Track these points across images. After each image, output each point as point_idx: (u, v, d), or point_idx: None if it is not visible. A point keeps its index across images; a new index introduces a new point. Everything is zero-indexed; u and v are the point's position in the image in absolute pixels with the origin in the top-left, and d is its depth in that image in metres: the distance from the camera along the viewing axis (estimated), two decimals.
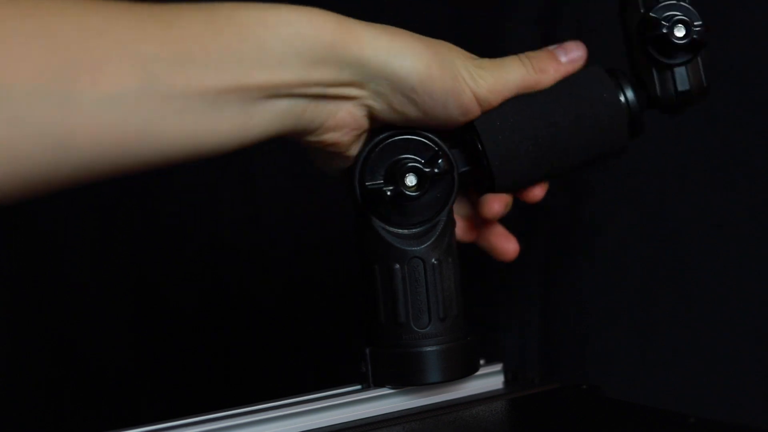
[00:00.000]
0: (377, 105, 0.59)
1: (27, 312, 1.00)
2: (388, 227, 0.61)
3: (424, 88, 0.58)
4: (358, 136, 0.61)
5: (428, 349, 0.61)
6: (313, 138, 0.59)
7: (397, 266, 0.61)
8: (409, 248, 0.62)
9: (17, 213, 1.03)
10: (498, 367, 0.66)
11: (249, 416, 0.59)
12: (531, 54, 0.65)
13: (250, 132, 0.55)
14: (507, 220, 1.03)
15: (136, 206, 1.06)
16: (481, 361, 0.66)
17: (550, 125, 0.63)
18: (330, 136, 0.59)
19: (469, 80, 0.61)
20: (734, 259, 0.94)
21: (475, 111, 0.62)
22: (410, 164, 0.60)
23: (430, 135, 0.62)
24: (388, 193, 0.60)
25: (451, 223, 0.64)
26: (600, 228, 0.98)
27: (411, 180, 0.60)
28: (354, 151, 0.62)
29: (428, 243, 0.62)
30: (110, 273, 1.04)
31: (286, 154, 1.04)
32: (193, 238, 1.06)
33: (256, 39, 0.53)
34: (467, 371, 0.63)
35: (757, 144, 0.94)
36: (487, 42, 1.03)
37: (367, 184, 0.61)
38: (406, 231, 0.62)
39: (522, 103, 0.63)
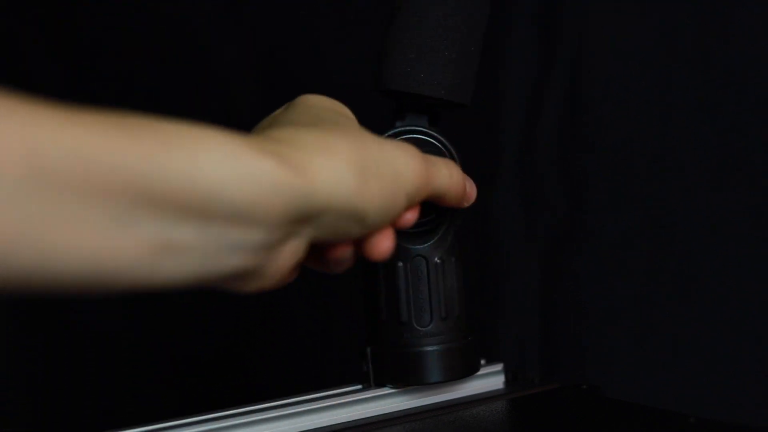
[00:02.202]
0: (321, 234, 0.50)
1: (27, 312, 1.00)
2: None
3: (364, 208, 0.50)
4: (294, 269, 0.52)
5: (429, 348, 0.61)
6: (245, 287, 0.49)
7: (400, 264, 0.61)
8: (412, 246, 0.62)
9: None
10: (498, 367, 0.66)
11: (249, 416, 0.59)
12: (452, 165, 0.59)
13: (163, 268, 0.44)
14: (508, 220, 1.03)
15: None
16: (482, 361, 0.65)
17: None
18: (263, 283, 0.50)
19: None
20: (734, 259, 0.94)
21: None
22: None
23: (432, 132, 0.62)
24: None
25: (454, 222, 0.64)
26: (600, 228, 0.98)
27: None
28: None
29: (431, 241, 0.62)
30: None
31: None
32: None
33: (179, 152, 0.43)
34: (468, 371, 0.63)
35: (757, 144, 0.94)
36: (487, 42, 1.02)
37: None
38: (409, 229, 0.62)
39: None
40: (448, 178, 0.57)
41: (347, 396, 0.62)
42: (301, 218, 0.47)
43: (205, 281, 0.46)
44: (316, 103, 0.57)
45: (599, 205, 0.98)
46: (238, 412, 0.59)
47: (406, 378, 0.62)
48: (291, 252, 0.49)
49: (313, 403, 0.61)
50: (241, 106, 1.09)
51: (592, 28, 0.99)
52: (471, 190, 0.61)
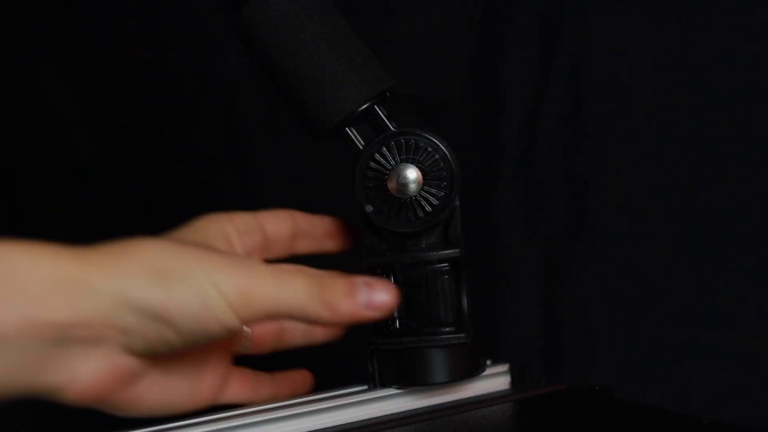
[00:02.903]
0: (131, 342, 0.49)
1: None
2: (392, 227, 0.61)
3: (170, 313, 0.49)
4: (130, 382, 0.52)
5: (434, 349, 0.61)
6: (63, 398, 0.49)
7: (404, 266, 0.61)
8: (416, 248, 0.62)
9: (17, 213, 1.03)
10: (504, 367, 0.66)
11: (254, 416, 0.59)
12: (324, 277, 0.53)
13: None
14: (508, 219, 1.03)
15: (136, 206, 1.05)
16: (488, 362, 0.65)
17: None
18: (83, 393, 0.50)
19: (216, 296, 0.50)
20: (735, 259, 0.94)
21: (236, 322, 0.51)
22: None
23: (426, 135, 0.61)
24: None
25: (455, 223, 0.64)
26: (601, 228, 0.98)
27: (413, 188, 0.60)
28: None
29: (434, 243, 0.62)
30: None
31: (286, 154, 1.04)
32: None
33: None
34: (474, 372, 0.63)
35: (758, 144, 0.94)
36: (487, 42, 1.02)
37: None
38: (410, 230, 0.62)
39: None
40: (303, 294, 0.52)
41: (352, 396, 0.62)
42: (91, 319, 0.47)
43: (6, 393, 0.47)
44: (186, 225, 0.59)
45: (600, 205, 0.98)
46: (243, 412, 0.59)
47: (411, 378, 0.62)
48: (104, 358, 0.49)
49: (318, 403, 0.60)
50: (242, 107, 1.09)
51: (592, 28, 0.99)
52: (374, 297, 0.53)
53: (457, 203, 0.61)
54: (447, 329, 0.61)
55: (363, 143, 0.61)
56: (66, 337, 0.47)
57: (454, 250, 0.61)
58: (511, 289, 1.01)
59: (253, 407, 0.60)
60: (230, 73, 1.09)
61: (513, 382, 0.66)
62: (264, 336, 0.62)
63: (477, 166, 1.02)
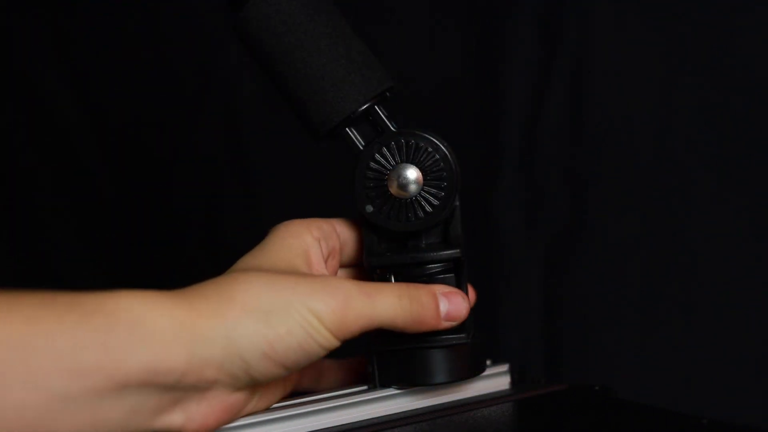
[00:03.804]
0: (240, 382, 0.53)
1: None
2: (392, 227, 0.61)
3: (276, 350, 0.53)
4: (238, 412, 0.56)
5: (435, 349, 0.61)
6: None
7: (405, 265, 0.61)
8: (416, 248, 0.62)
9: (17, 213, 1.03)
10: (504, 367, 0.66)
11: (255, 416, 0.59)
12: (409, 290, 0.58)
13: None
14: (509, 219, 1.03)
15: (136, 206, 1.05)
16: (488, 362, 0.65)
17: None
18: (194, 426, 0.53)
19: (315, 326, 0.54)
20: (735, 259, 0.94)
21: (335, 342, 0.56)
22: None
23: (426, 135, 0.61)
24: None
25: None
26: (601, 228, 0.98)
27: (413, 188, 0.60)
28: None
29: (434, 243, 0.62)
30: (110, 273, 1.04)
31: (286, 154, 1.04)
32: (193, 239, 1.06)
33: (97, 326, 0.48)
34: (474, 372, 0.63)
35: (758, 145, 0.94)
36: (487, 42, 1.02)
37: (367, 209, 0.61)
38: (410, 230, 0.62)
39: None
40: (390, 311, 0.57)
41: (353, 397, 0.61)
42: (206, 364, 0.51)
43: None
44: (269, 241, 0.59)
45: (601, 205, 0.98)
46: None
47: (411, 379, 0.62)
48: (216, 399, 0.52)
49: (318, 403, 0.60)
50: (242, 107, 1.09)
51: (592, 27, 0.99)
52: (448, 311, 0.59)
53: (457, 203, 0.61)
54: (447, 329, 0.61)
55: (363, 143, 0.61)
56: (182, 383, 0.50)
57: (454, 251, 0.61)
58: (511, 289, 1.01)
59: None
60: (230, 73, 1.09)
61: (513, 382, 0.66)
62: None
63: (477, 166, 1.02)
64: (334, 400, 0.61)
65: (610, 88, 0.99)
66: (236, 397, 0.54)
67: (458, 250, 0.61)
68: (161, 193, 1.06)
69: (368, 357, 0.63)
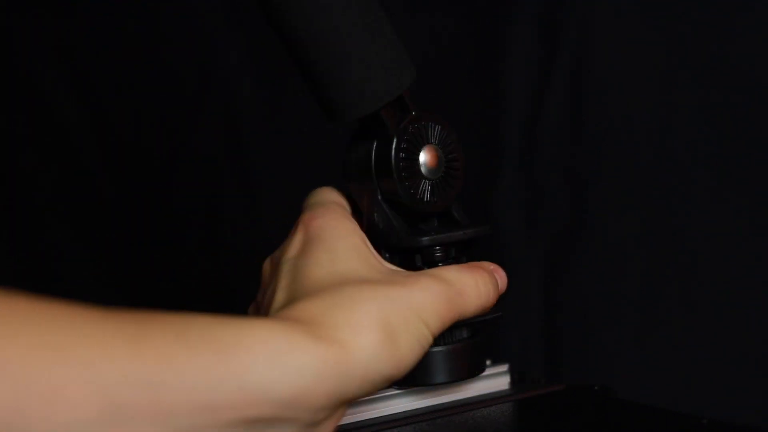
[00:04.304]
0: (362, 396, 0.51)
1: None
2: (423, 208, 0.61)
3: (400, 371, 0.51)
4: None
5: (435, 349, 0.61)
6: None
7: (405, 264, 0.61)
8: (417, 247, 0.62)
9: (17, 212, 1.03)
10: (504, 367, 0.66)
11: None
12: (480, 275, 0.57)
13: None
14: (509, 219, 1.03)
15: (136, 206, 1.05)
16: (488, 362, 0.65)
17: None
18: None
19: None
20: (735, 258, 0.94)
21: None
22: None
23: (441, 118, 0.61)
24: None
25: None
26: (602, 228, 0.98)
27: (441, 168, 0.61)
28: None
29: (435, 243, 0.62)
30: (110, 273, 1.04)
31: (286, 154, 1.04)
32: (193, 239, 1.06)
33: (236, 363, 0.46)
34: (474, 372, 0.62)
35: (758, 144, 0.94)
36: (487, 42, 1.02)
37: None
38: (440, 209, 0.62)
39: None
40: (476, 301, 0.56)
41: None
42: (342, 399, 0.49)
43: None
44: (329, 236, 0.57)
45: (601, 205, 0.98)
46: None
47: (411, 379, 0.61)
48: (331, 426, 0.50)
49: None
50: (242, 107, 1.09)
51: (592, 27, 0.99)
52: (500, 286, 0.58)
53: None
54: (447, 329, 0.61)
55: (391, 125, 0.61)
56: (319, 415, 0.48)
57: (486, 226, 0.62)
58: (511, 290, 1.01)
59: None
60: (230, 73, 1.09)
61: (513, 382, 0.66)
62: None
63: (477, 166, 1.02)
64: None
65: (610, 88, 0.99)
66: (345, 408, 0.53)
67: (489, 226, 0.62)
68: (161, 193, 1.06)
69: None
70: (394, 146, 0.61)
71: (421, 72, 1.06)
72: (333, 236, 0.57)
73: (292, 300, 0.54)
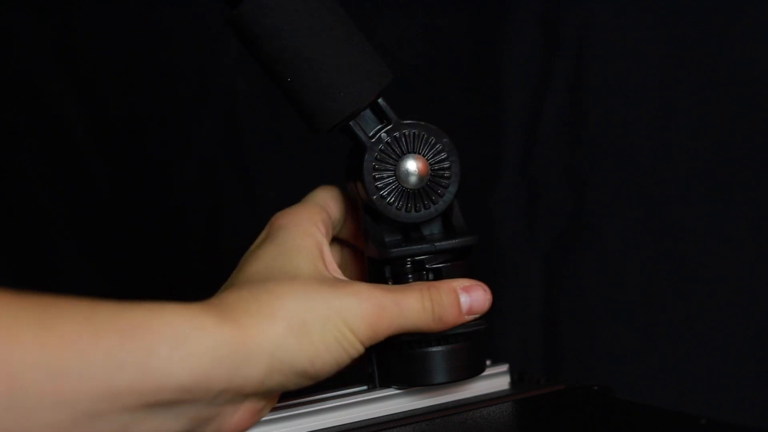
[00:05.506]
0: (273, 388, 0.53)
1: None
2: (402, 218, 0.61)
3: (315, 365, 0.53)
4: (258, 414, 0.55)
5: (435, 349, 0.61)
6: None
7: (405, 264, 0.61)
8: (416, 247, 0.62)
9: (17, 212, 1.03)
10: (504, 367, 0.66)
11: None
12: (431, 290, 0.58)
13: None
14: (509, 220, 1.03)
15: (136, 206, 1.05)
16: (488, 362, 0.65)
17: None
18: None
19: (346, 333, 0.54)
20: (735, 259, 0.94)
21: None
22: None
23: (427, 125, 0.61)
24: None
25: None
26: (602, 229, 0.98)
27: (420, 178, 0.60)
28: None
29: (435, 242, 0.62)
30: (110, 273, 1.04)
31: (286, 155, 1.04)
32: (193, 239, 1.06)
33: (138, 345, 0.47)
34: (474, 372, 0.62)
35: (758, 144, 0.94)
36: (487, 42, 1.02)
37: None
38: (420, 220, 0.62)
39: None
40: (418, 315, 0.57)
41: (352, 397, 0.61)
42: (246, 386, 0.50)
43: None
44: (284, 234, 0.59)
45: (601, 206, 0.98)
46: None
47: (411, 379, 0.61)
48: (245, 408, 0.52)
49: (318, 404, 0.60)
50: (242, 107, 1.09)
51: (592, 28, 0.99)
52: (473, 302, 0.59)
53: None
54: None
55: (368, 135, 0.61)
56: (219, 400, 0.50)
57: (471, 237, 0.62)
58: (511, 290, 1.01)
59: None
60: (230, 73, 1.09)
61: (513, 382, 0.66)
62: None
63: (477, 167, 1.02)
64: (334, 400, 0.61)
65: (610, 88, 0.99)
66: (264, 402, 0.54)
67: (474, 236, 0.62)
68: (161, 194, 1.06)
69: (368, 357, 0.62)
70: (365, 157, 0.61)
71: (421, 72, 1.06)
72: (287, 234, 0.59)
73: (226, 287, 0.56)
